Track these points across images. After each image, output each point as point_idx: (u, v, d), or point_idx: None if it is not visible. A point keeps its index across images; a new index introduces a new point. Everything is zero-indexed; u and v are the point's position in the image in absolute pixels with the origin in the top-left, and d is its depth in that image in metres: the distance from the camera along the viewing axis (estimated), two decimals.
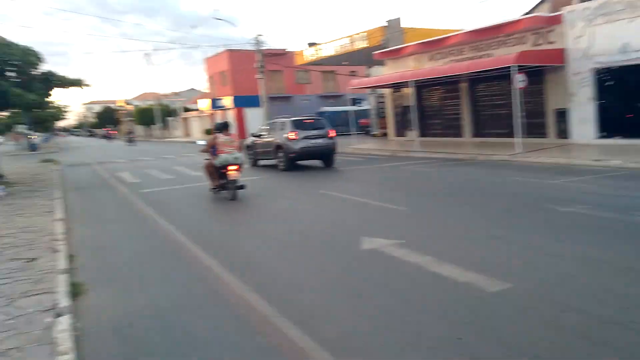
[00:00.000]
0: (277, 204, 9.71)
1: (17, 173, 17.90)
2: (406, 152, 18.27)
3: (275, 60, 38.00)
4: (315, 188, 11.24)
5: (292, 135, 14.88)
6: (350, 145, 22.09)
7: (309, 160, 15.78)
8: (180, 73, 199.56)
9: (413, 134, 20.61)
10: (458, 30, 20.47)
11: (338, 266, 5.33)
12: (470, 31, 19.18)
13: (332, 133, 15.59)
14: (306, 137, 14.99)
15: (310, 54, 30.70)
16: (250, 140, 17.77)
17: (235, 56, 42.22)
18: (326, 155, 15.55)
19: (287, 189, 11.81)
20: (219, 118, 47.51)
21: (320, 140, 15.24)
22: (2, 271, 5.38)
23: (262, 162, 17.07)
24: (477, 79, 19.62)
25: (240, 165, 10.43)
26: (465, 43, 19.54)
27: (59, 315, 4.06)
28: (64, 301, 4.37)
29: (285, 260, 5.70)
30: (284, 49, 41.99)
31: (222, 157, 10.30)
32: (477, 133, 20.61)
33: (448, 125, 22.17)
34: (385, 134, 27.35)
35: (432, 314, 3.93)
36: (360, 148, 21.40)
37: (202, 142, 10.90)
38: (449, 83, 20.94)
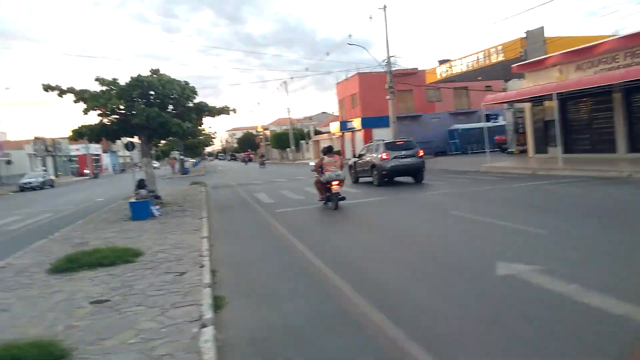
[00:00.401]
0: (402, 225, 9.57)
1: (171, 194, 20.06)
2: (548, 170, 16.89)
3: (405, 80, 37.87)
4: (444, 208, 10.87)
5: (384, 156, 17.09)
6: (485, 164, 21.06)
7: (400, 176, 17.65)
8: (313, 98, 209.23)
9: (556, 151, 19.00)
10: (610, 36, 18.60)
11: (471, 292, 5.06)
12: (626, 36, 17.35)
13: (421, 152, 17.59)
14: (396, 157, 17.01)
15: (441, 71, 30.13)
16: (352, 160, 20.13)
17: (365, 79, 43.02)
18: (414, 172, 17.37)
19: (412, 208, 11.61)
20: (347, 139, 48.63)
21: (409, 160, 17.12)
22: (158, 283, 6.03)
23: (361, 179, 19.08)
24: (633, 88, 17.51)
25: (341, 181, 12.30)
26: (619, 49, 17.70)
27: (204, 326, 4.41)
28: (207, 313, 4.75)
29: (414, 283, 5.56)
30: (415, 69, 41.67)
31: (327, 174, 12.28)
32: (634, 148, 18.34)
33: (597, 140, 20.09)
34: (523, 151, 25.65)
35: (579, 350, 3.53)
36: (496, 166, 20.28)
37: (312, 163, 12.59)
38: (599, 94, 19.00)
